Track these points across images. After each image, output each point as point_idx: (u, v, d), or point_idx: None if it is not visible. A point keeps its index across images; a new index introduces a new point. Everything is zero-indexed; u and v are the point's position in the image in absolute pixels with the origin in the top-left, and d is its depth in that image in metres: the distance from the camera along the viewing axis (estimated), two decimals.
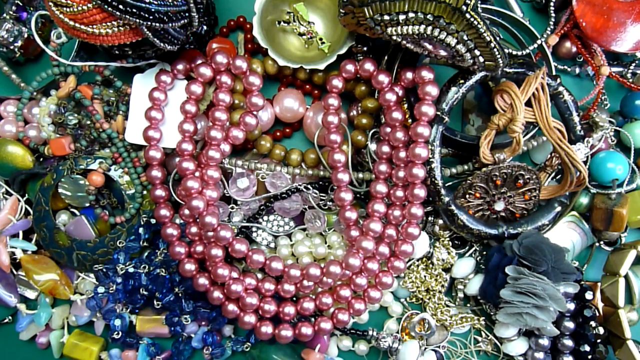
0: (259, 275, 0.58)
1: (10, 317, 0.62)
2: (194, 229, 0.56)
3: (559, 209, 0.58)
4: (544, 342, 0.57)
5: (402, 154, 0.55)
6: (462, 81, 0.54)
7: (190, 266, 0.55)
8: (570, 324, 0.56)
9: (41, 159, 0.60)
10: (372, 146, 0.58)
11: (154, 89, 0.56)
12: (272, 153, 0.59)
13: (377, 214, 0.55)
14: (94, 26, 0.48)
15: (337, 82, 0.56)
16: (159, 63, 0.58)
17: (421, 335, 0.59)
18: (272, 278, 0.57)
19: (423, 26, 0.47)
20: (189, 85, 0.56)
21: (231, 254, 0.55)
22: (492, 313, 0.59)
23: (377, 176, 0.56)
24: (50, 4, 0.47)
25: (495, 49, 0.48)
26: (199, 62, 0.57)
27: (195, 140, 0.59)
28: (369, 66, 0.55)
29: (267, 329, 0.55)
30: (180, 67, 0.57)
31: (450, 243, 0.60)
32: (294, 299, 0.57)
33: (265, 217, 0.59)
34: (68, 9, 0.47)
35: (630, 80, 0.61)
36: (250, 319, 0.55)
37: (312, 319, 0.57)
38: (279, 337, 0.55)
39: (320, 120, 0.57)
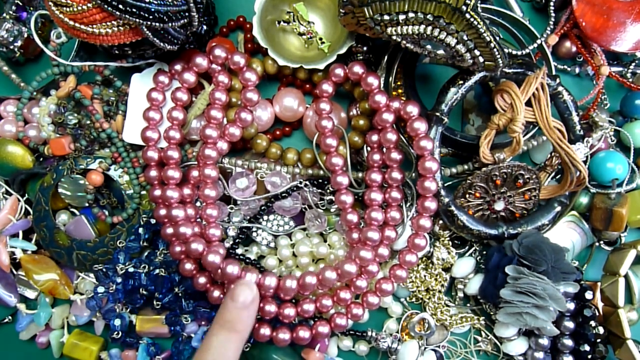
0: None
1: (10, 317, 0.62)
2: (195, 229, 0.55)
3: (558, 208, 0.58)
4: (544, 341, 0.57)
5: (394, 155, 0.54)
6: (461, 82, 0.54)
7: (190, 266, 0.55)
8: (570, 324, 0.56)
9: (41, 159, 0.60)
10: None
11: (152, 89, 0.56)
12: (268, 152, 0.59)
13: (375, 222, 0.55)
14: (94, 26, 0.48)
15: (327, 87, 0.56)
16: (157, 63, 0.58)
17: (421, 335, 0.59)
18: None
19: (423, 26, 0.48)
20: (182, 74, 0.55)
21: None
22: (492, 313, 0.59)
23: (369, 185, 0.56)
24: (50, 3, 0.47)
25: (495, 49, 0.48)
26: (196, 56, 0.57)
27: (194, 140, 0.59)
28: (357, 69, 0.55)
29: (265, 331, 0.55)
30: (178, 67, 0.57)
31: (450, 243, 0.60)
32: (294, 300, 0.57)
33: (265, 217, 0.59)
34: (68, 9, 0.47)
35: (630, 80, 0.61)
36: None
37: (311, 322, 0.57)
38: (277, 340, 0.55)
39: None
